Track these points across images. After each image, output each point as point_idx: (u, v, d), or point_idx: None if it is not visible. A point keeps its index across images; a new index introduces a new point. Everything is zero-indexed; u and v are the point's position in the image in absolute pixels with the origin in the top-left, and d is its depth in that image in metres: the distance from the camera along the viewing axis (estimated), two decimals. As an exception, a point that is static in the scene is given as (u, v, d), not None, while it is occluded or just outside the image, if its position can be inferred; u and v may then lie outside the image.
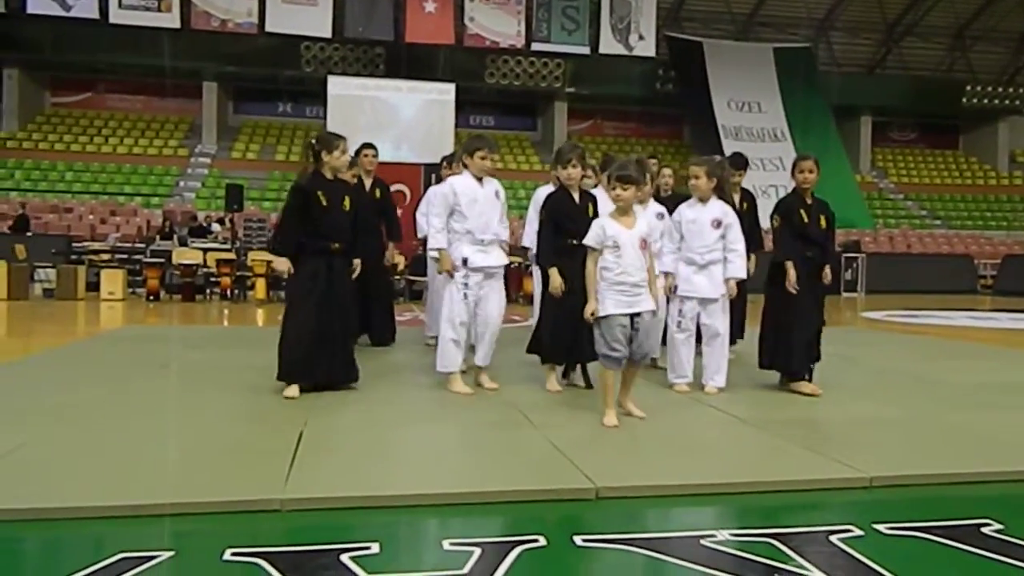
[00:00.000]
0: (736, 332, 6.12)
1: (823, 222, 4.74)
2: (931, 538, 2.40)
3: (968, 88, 27.77)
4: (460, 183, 4.60)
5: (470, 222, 4.54)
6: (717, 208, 4.70)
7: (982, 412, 4.27)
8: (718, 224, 4.67)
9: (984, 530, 2.47)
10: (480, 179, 4.64)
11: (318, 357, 4.40)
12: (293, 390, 4.35)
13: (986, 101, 27.89)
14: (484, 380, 4.75)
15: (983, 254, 21.72)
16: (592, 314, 3.79)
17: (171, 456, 3.10)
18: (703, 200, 4.72)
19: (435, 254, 4.68)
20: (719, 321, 4.70)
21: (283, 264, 4.41)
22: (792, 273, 4.61)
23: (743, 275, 4.74)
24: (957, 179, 28.91)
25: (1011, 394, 4.89)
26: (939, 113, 29.10)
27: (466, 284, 4.57)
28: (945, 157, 30.15)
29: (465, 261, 4.55)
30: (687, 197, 4.86)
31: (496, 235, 4.65)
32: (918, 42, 28.37)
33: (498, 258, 4.66)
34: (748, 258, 5.67)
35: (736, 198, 5.88)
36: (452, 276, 4.57)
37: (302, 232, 4.40)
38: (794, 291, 4.60)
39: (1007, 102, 28.08)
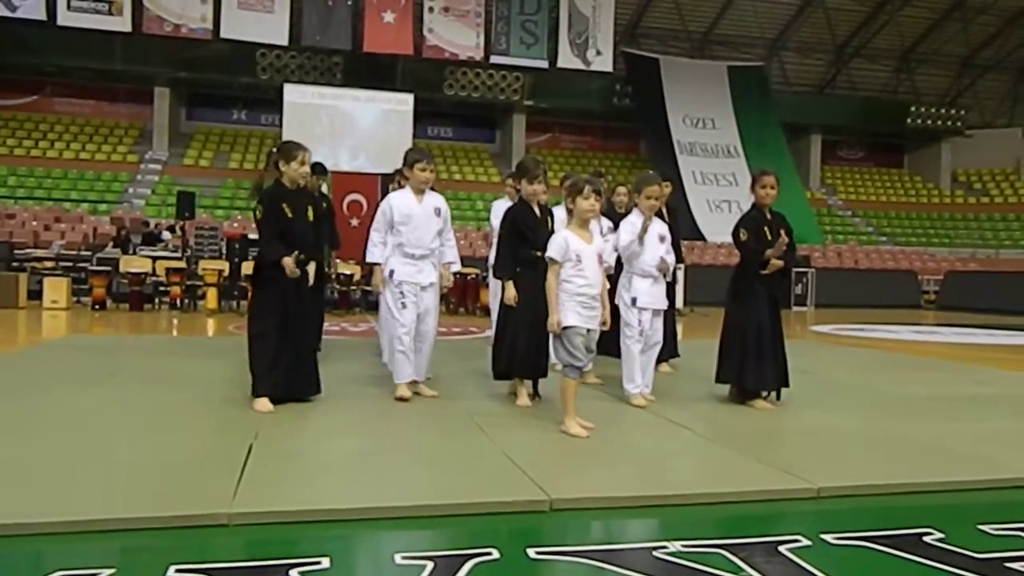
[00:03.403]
0: (672, 349, 6.20)
1: (783, 236, 4.83)
2: (875, 547, 2.45)
3: (913, 109, 28.71)
4: (397, 199, 4.73)
5: (403, 236, 4.65)
6: (659, 223, 4.93)
7: (926, 423, 4.38)
8: (662, 239, 4.87)
9: (926, 539, 2.53)
10: (421, 193, 4.71)
11: (284, 369, 4.33)
12: (264, 403, 4.23)
13: (929, 122, 28.86)
14: (422, 390, 4.78)
15: (926, 270, 22.38)
16: (556, 324, 3.81)
17: (115, 469, 3.01)
18: (650, 218, 4.88)
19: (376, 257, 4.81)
20: (660, 330, 4.93)
21: (289, 262, 4.21)
22: (777, 262, 4.67)
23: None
24: (902, 197, 29.80)
25: (953, 406, 5.03)
26: (885, 133, 30.04)
27: (401, 293, 4.65)
28: (891, 175, 31.08)
29: (392, 274, 4.65)
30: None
31: (431, 250, 4.70)
32: (866, 64, 29.27)
33: (429, 275, 4.72)
34: (675, 272, 5.78)
35: (664, 212, 5.96)
36: (382, 292, 4.70)
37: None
38: (777, 268, 4.68)
39: (949, 123, 29.10)
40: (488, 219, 7.50)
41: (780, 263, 4.69)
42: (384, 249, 4.73)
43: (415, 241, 4.64)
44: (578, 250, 3.86)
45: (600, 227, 4.70)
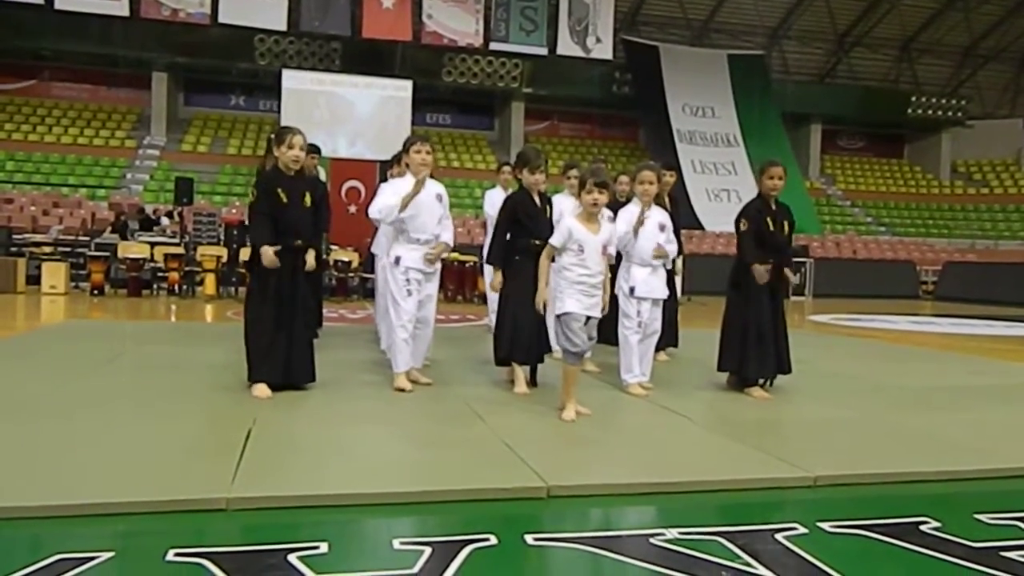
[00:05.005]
0: (672, 338, 6.21)
1: (785, 228, 4.83)
2: (872, 536, 2.46)
3: (913, 99, 28.62)
4: (402, 185, 4.67)
5: (407, 223, 4.59)
6: (658, 212, 4.94)
7: (923, 413, 4.40)
8: (662, 228, 4.88)
9: (922, 528, 2.54)
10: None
11: (280, 355, 4.33)
12: (262, 389, 4.24)
13: (930, 112, 28.77)
14: (418, 377, 4.79)
15: (925, 260, 22.37)
16: (544, 304, 3.89)
17: (113, 454, 3.02)
18: (647, 205, 4.88)
19: (396, 214, 4.55)
20: (659, 319, 4.94)
21: (269, 253, 4.20)
22: (761, 269, 4.67)
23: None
24: (902, 187, 29.76)
25: (950, 396, 5.05)
26: (886, 123, 29.94)
27: (407, 280, 4.62)
28: (891, 165, 31.01)
29: (398, 260, 4.60)
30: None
31: (435, 236, 4.68)
32: (867, 53, 29.15)
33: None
34: (675, 261, 5.75)
35: (667, 201, 5.93)
36: (422, 186, 4.48)
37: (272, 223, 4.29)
38: (763, 281, 4.67)
39: (949, 114, 29.01)
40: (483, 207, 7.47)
41: (767, 276, 4.68)
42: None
43: (419, 227, 4.61)
44: (581, 240, 3.91)
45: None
